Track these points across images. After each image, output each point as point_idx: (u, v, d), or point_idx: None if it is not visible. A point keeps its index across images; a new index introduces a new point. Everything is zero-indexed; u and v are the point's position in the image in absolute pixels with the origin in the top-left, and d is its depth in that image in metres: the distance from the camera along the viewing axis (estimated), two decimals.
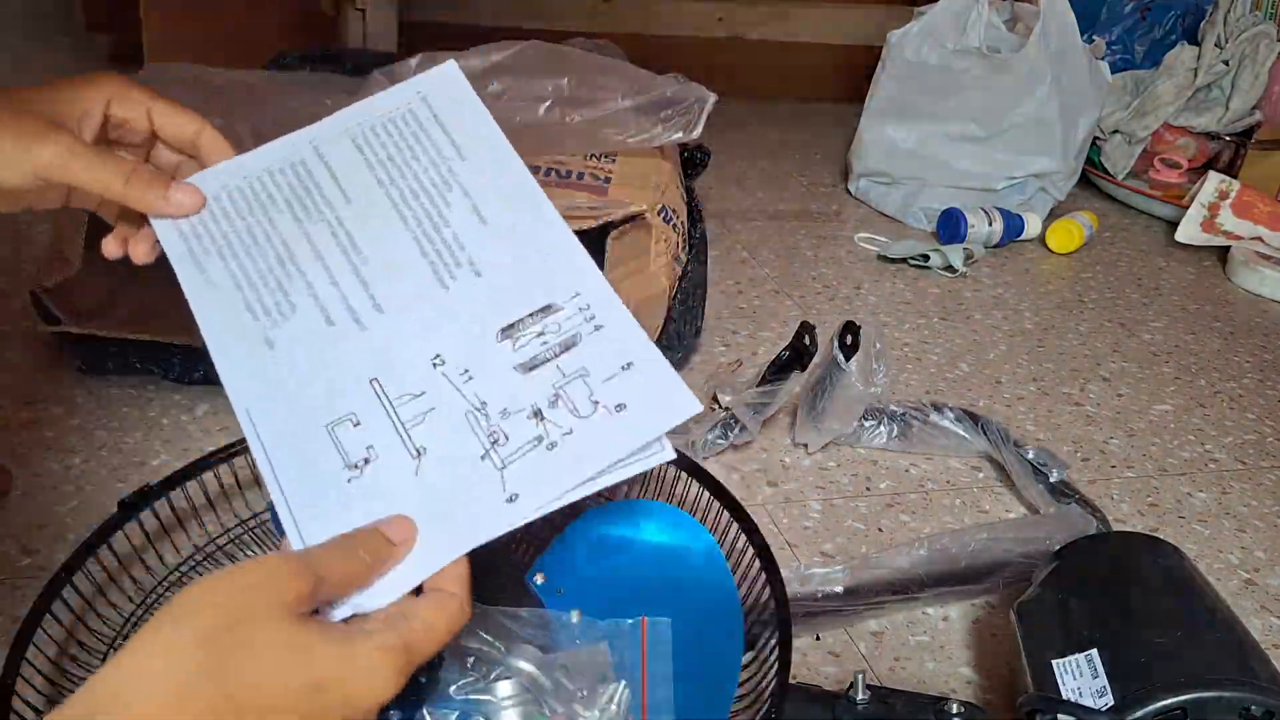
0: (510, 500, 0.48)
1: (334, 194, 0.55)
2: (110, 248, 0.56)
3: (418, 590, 0.44)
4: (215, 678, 0.36)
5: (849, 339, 0.89)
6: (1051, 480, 0.88)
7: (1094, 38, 1.78)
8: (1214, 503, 0.94)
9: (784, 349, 0.92)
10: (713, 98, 1.07)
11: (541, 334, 0.52)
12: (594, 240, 0.93)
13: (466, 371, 0.51)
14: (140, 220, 0.55)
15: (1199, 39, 1.78)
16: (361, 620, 0.42)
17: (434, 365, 0.51)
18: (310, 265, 0.53)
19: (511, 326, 0.52)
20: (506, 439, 0.49)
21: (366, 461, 0.49)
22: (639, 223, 0.97)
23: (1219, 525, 0.90)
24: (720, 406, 0.93)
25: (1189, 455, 1.01)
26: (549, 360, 0.51)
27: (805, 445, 0.94)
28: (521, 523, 0.47)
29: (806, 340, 0.90)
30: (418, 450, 0.49)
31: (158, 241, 0.55)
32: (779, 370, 0.91)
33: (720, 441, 0.91)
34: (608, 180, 1.03)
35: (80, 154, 0.50)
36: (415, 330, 0.52)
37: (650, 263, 1.02)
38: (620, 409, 0.49)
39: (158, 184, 0.52)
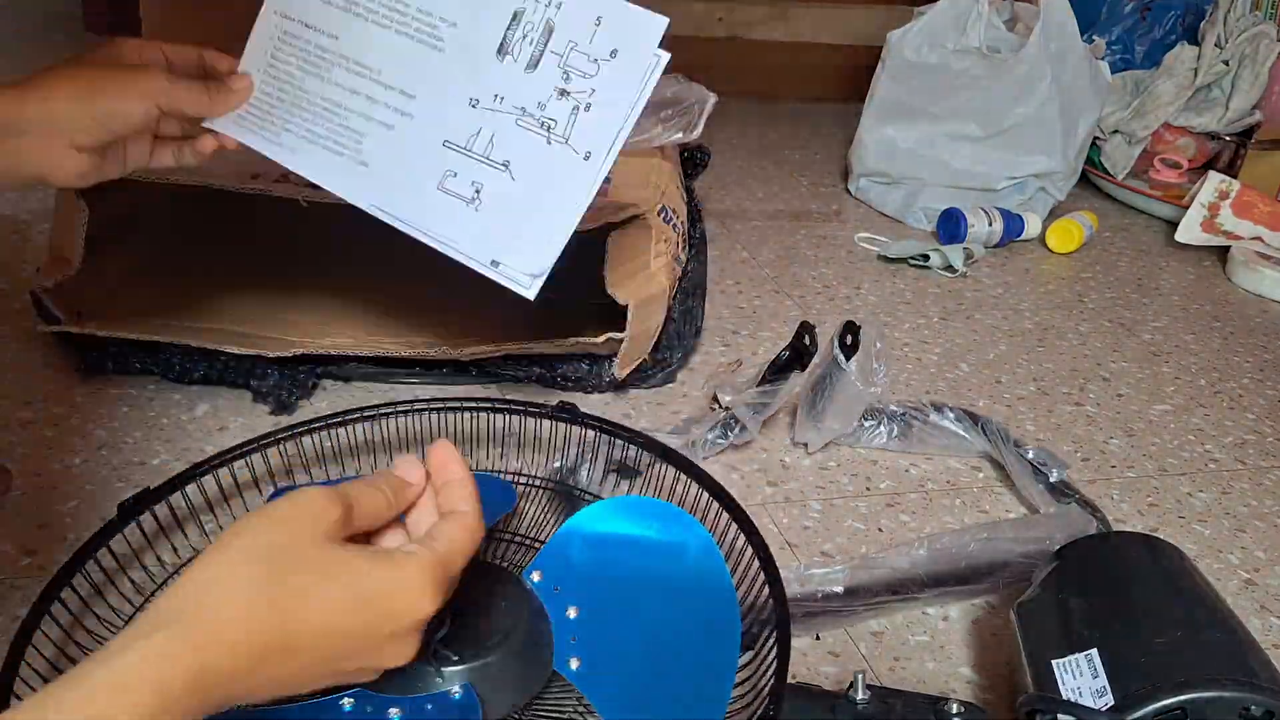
0: (586, 157, 0.64)
1: (323, 40, 0.67)
2: (209, 144, 0.67)
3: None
4: (274, 593, 0.40)
5: (849, 339, 0.89)
6: (1051, 480, 0.88)
7: (1094, 38, 1.77)
8: (1214, 503, 0.94)
9: (784, 349, 0.92)
10: (713, 98, 1.06)
11: (525, 36, 0.64)
12: (594, 240, 0.93)
13: (496, 96, 0.65)
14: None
15: (1199, 39, 1.78)
16: (396, 545, 0.47)
17: (473, 106, 0.65)
18: (351, 100, 0.67)
19: (502, 45, 0.65)
20: (555, 121, 0.64)
21: (478, 192, 0.65)
22: (639, 222, 0.97)
23: (1219, 525, 0.90)
24: (720, 406, 0.93)
25: (1189, 455, 1.01)
26: (543, 51, 0.64)
27: (805, 445, 0.94)
28: (602, 177, 0.63)
29: (806, 340, 0.90)
30: (504, 164, 0.65)
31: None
32: (779, 370, 0.91)
33: (720, 441, 0.91)
34: (608, 182, 1.03)
35: (173, 80, 0.62)
36: (445, 93, 0.66)
37: (650, 262, 1.02)
38: (614, 54, 0.63)
39: (221, 88, 0.65)
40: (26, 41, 1.93)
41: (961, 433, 0.94)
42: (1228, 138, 1.78)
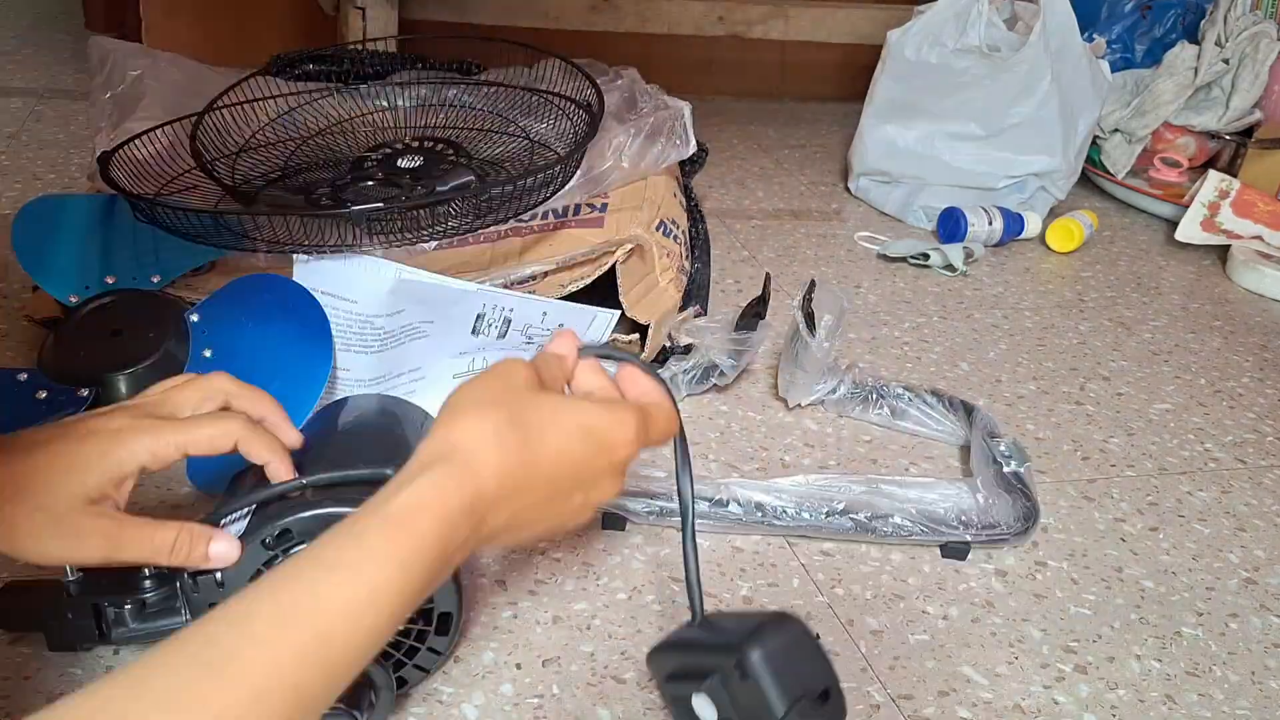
0: None
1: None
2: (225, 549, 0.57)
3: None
4: (516, 427, 0.45)
5: (809, 302, 0.95)
6: (1005, 470, 0.86)
7: (1094, 36, 1.77)
8: (1214, 502, 0.94)
9: (754, 298, 0.99)
10: (688, 106, 1.08)
11: (490, 325, 0.84)
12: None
13: (479, 348, 0.86)
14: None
15: (1199, 38, 1.78)
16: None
17: (462, 354, 0.86)
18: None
19: (474, 329, 0.84)
20: (531, 342, 0.86)
21: None
22: (639, 248, 0.97)
23: (1219, 524, 0.90)
24: (678, 346, 0.99)
25: (1189, 454, 1.01)
26: (507, 331, 0.84)
27: (785, 401, 0.99)
28: None
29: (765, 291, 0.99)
30: None
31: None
32: (749, 317, 0.97)
33: (700, 385, 0.98)
34: (603, 208, 1.03)
35: (124, 537, 0.53)
36: (441, 354, 0.86)
37: (658, 279, 1.02)
38: (561, 325, 0.85)
39: (200, 542, 0.55)
40: (25, 41, 1.93)
41: (947, 419, 0.97)
42: (1228, 136, 1.78)
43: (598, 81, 1.15)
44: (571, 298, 0.91)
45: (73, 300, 0.82)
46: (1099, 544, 0.86)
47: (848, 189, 1.65)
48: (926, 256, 1.38)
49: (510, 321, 0.84)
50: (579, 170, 0.99)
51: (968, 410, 0.96)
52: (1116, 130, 1.78)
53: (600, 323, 0.87)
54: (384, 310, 0.80)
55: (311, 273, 0.80)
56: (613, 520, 0.80)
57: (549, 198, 0.95)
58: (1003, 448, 0.89)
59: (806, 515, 0.80)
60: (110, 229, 0.88)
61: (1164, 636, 0.76)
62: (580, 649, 0.69)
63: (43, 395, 0.74)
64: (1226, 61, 1.74)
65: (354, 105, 1.16)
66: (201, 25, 1.60)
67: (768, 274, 1.02)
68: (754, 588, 0.76)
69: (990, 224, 1.45)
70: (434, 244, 0.91)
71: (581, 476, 0.48)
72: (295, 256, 0.80)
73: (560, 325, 0.87)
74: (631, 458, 0.49)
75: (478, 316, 0.83)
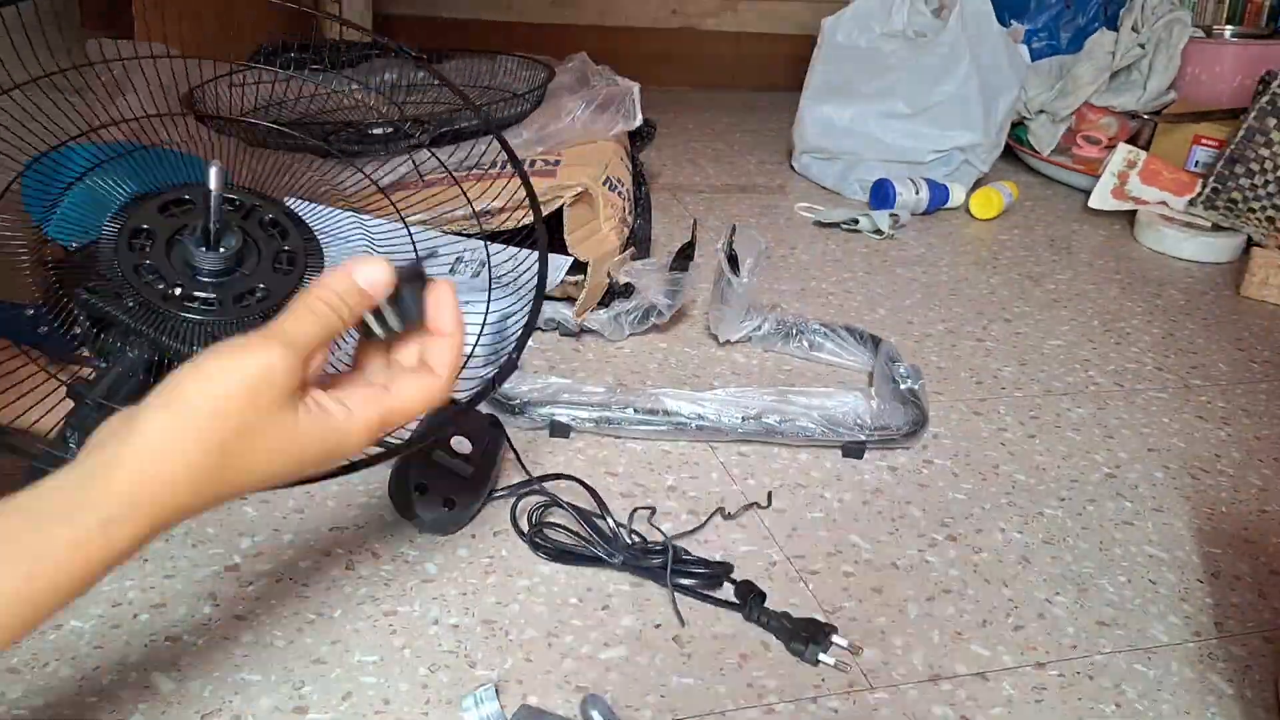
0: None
1: None
2: None
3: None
4: (222, 470, 0.43)
5: (731, 244, 1.07)
6: (901, 387, 1.00)
7: (1012, 22, 1.92)
8: (1089, 416, 1.07)
9: (685, 243, 1.14)
10: (636, 87, 1.24)
11: (466, 266, 0.97)
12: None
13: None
14: None
15: (1119, 25, 1.93)
16: (348, 393, 0.47)
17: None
18: None
19: (451, 269, 0.97)
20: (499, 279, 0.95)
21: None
22: (585, 195, 1.11)
23: (1090, 433, 1.04)
24: (619, 285, 1.12)
25: (1073, 380, 1.14)
26: (480, 271, 0.96)
27: (716, 338, 1.13)
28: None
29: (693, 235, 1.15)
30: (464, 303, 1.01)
31: None
32: (681, 259, 1.13)
33: (640, 324, 1.10)
34: (557, 163, 1.17)
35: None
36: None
37: (601, 225, 1.16)
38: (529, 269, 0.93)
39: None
40: (21, 37, 2.04)
41: (857, 350, 1.10)
42: (1146, 116, 1.92)
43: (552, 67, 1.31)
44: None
45: (74, 245, 0.91)
46: (980, 447, 0.99)
47: (792, 166, 1.79)
48: (856, 222, 1.51)
49: (485, 265, 0.97)
50: (536, 126, 1.14)
51: (875, 342, 1.10)
52: (1042, 111, 1.92)
53: (558, 264, 1.03)
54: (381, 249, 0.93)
55: (324, 217, 0.90)
56: (559, 428, 0.93)
57: (520, 118, 1.17)
58: (901, 369, 1.02)
59: (725, 421, 0.93)
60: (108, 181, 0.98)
61: (1028, 515, 0.89)
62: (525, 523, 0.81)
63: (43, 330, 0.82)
64: (1143, 46, 1.89)
65: (331, 89, 1.29)
66: (190, 22, 1.72)
67: (694, 220, 1.16)
68: (678, 479, 0.89)
69: (917, 193, 1.59)
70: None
71: (305, 468, 0.46)
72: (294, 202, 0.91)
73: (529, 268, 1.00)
74: (371, 440, 0.47)
75: (457, 258, 0.97)
